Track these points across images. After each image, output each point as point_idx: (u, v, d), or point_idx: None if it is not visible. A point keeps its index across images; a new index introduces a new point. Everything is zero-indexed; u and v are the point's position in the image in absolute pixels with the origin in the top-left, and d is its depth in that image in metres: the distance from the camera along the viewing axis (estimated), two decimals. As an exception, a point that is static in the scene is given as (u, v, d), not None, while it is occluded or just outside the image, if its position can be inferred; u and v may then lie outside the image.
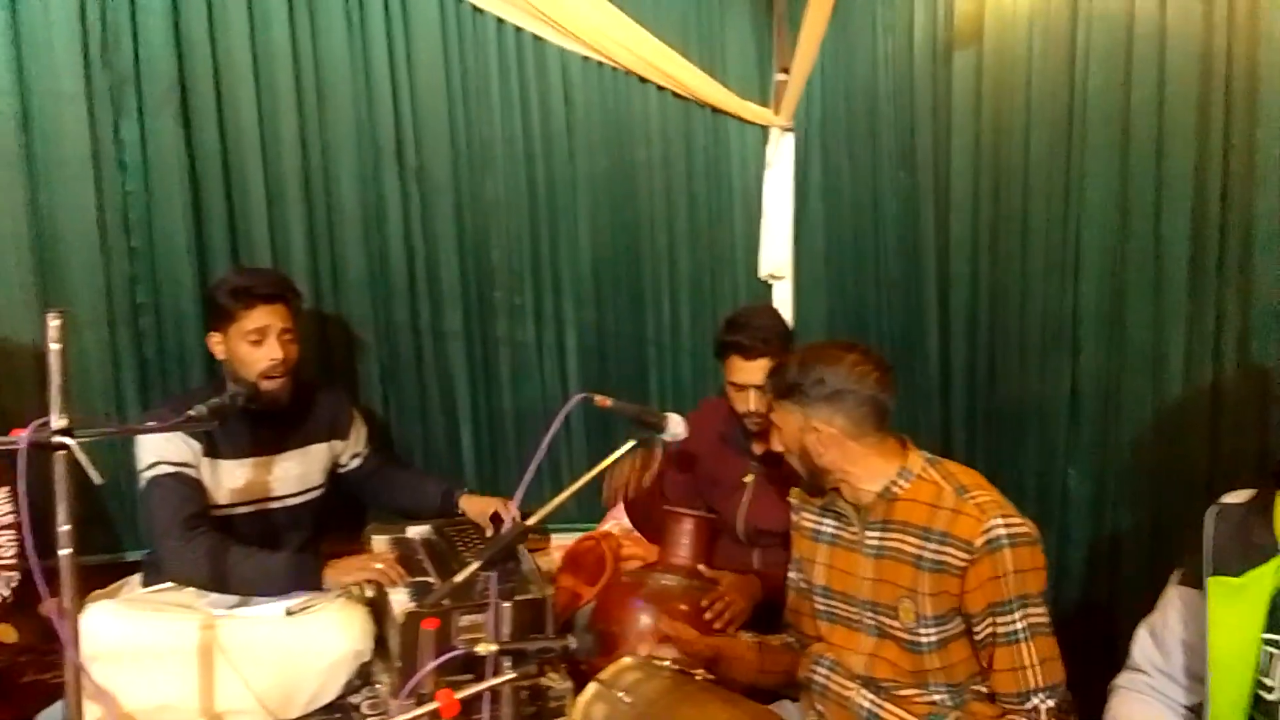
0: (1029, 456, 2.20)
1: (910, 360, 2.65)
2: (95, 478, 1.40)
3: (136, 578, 2.17)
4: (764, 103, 3.15)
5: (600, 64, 2.88)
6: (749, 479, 2.29)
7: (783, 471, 1.83)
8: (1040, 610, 1.54)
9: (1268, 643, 1.15)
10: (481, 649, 1.42)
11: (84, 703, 1.49)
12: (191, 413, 1.73)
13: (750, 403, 2.16)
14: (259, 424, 2.17)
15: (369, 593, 2.01)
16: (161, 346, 2.44)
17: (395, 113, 2.64)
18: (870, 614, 1.70)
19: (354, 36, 2.57)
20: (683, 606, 1.96)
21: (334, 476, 2.40)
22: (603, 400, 1.86)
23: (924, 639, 1.60)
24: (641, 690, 1.55)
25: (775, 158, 3.14)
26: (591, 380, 2.94)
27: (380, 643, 1.95)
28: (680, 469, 2.42)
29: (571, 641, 1.50)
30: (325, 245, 2.61)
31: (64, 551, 1.40)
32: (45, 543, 1.42)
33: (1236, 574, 1.18)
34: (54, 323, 1.40)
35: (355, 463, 2.44)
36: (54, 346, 1.40)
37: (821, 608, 1.81)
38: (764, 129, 3.15)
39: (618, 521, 2.78)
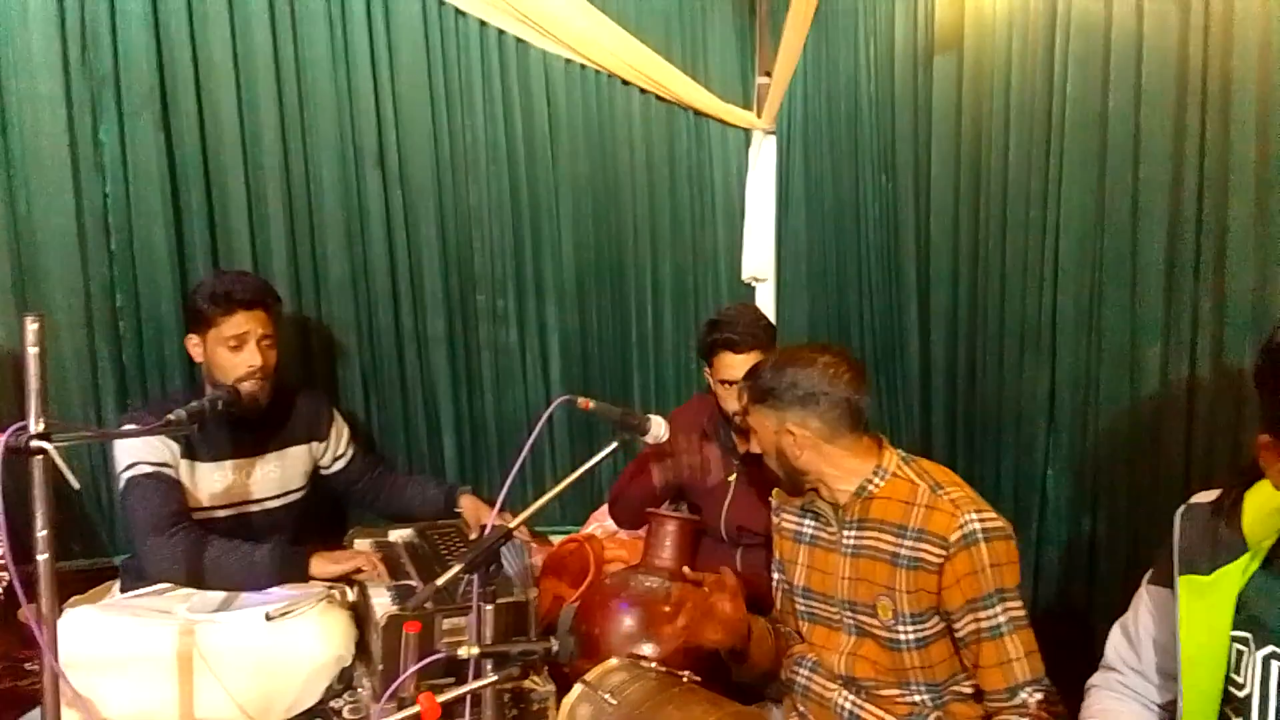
0: (1008, 457, 2.22)
1: (891, 363, 2.67)
2: (73, 482, 1.39)
3: (115, 583, 2.16)
4: (746, 106, 3.17)
5: (583, 67, 2.89)
6: (732, 478, 2.29)
7: (765, 472, 1.84)
8: (1018, 604, 1.55)
9: (1236, 640, 1.16)
10: (464, 652, 1.42)
11: (62, 709, 1.48)
12: (170, 416, 1.73)
13: (741, 399, 2.17)
14: (238, 427, 2.16)
15: (351, 596, 2.01)
16: (140, 350, 2.42)
17: (377, 116, 2.63)
18: (849, 613, 1.71)
19: (335, 39, 2.57)
20: (666, 608, 1.97)
21: (316, 479, 2.39)
22: (585, 403, 1.86)
23: (903, 636, 1.61)
24: (627, 692, 1.56)
25: (757, 161, 3.16)
26: (574, 383, 2.95)
27: (361, 647, 1.94)
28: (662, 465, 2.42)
29: (554, 644, 1.50)
30: (306, 249, 2.60)
31: (42, 557, 1.39)
32: (23, 548, 1.41)
33: (1205, 572, 1.19)
34: (32, 326, 1.39)
35: (339, 464, 2.43)
36: (31, 350, 1.38)
37: (802, 608, 1.82)
38: (746, 132, 3.17)
39: (600, 524, 2.78)
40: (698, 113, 3.08)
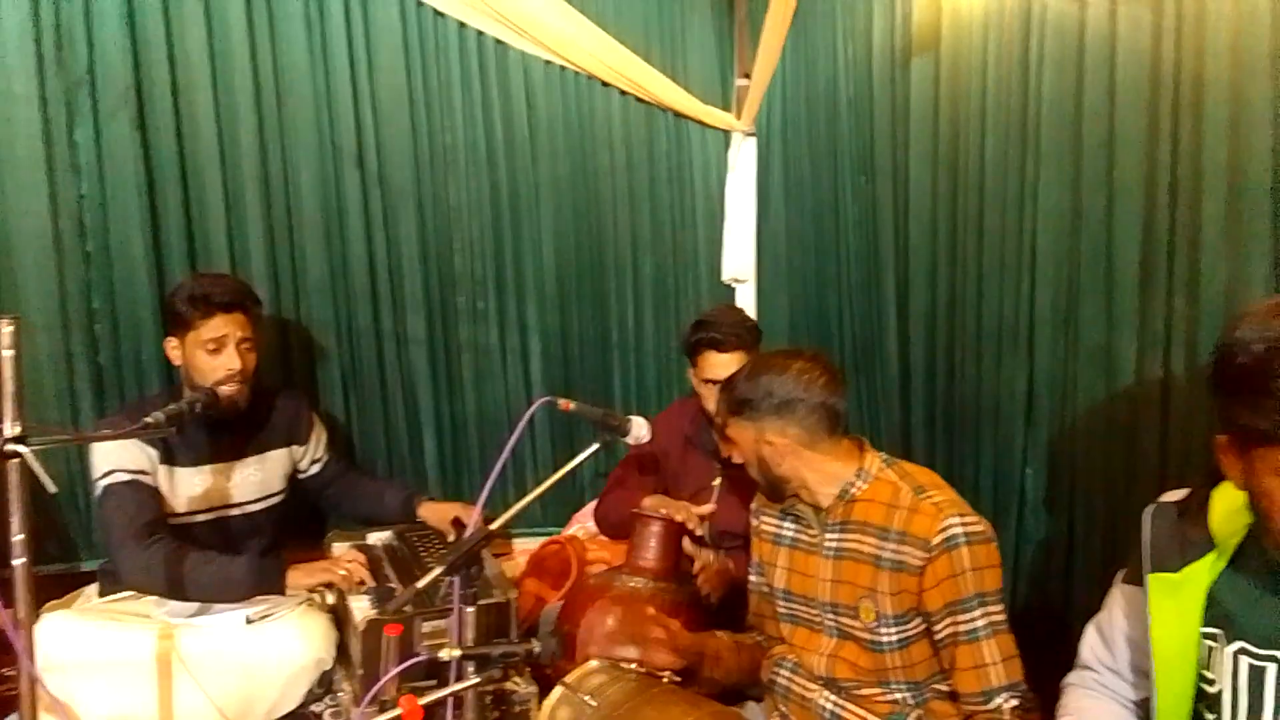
0: (987, 456, 2.23)
1: (871, 362, 2.68)
2: (49, 486, 1.38)
3: (92, 588, 2.14)
4: (726, 108, 3.17)
5: (563, 69, 2.88)
6: (716, 482, 2.30)
7: (748, 475, 1.85)
8: (999, 608, 1.56)
9: (1207, 636, 1.18)
10: (445, 654, 1.42)
11: (39, 715, 1.47)
12: (148, 419, 1.71)
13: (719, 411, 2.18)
14: (217, 430, 2.15)
15: (330, 599, 2.00)
16: (117, 353, 2.40)
17: (356, 116, 2.62)
18: (830, 615, 1.71)
19: (313, 39, 2.55)
20: (649, 609, 1.97)
21: (294, 483, 2.38)
22: (566, 404, 1.86)
23: (885, 638, 1.62)
24: (607, 693, 1.56)
25: (737, 162, 3.17)
26: (555, 384, 2.94)
27: (342, 650, 1.93)
28: (645, 470, 2.43)
29: (536, 645, 1.50)
30: (285, 250, 2.59)
31: (18, 561, 1.38)
32: (-2, 552, 1.40)
33: (1175, 570, 1.21)
34: (6, 328, 1.37)
35: (315, 469, 2.42)
36: (6, 353, 1.37)
37: (783, 610, 1.82)
38: (726, 134, 3.17)
39: (583, 525, 2.78)
40: (677, 114, 3.08)
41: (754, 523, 1.90)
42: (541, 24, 2.76)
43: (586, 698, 1.56)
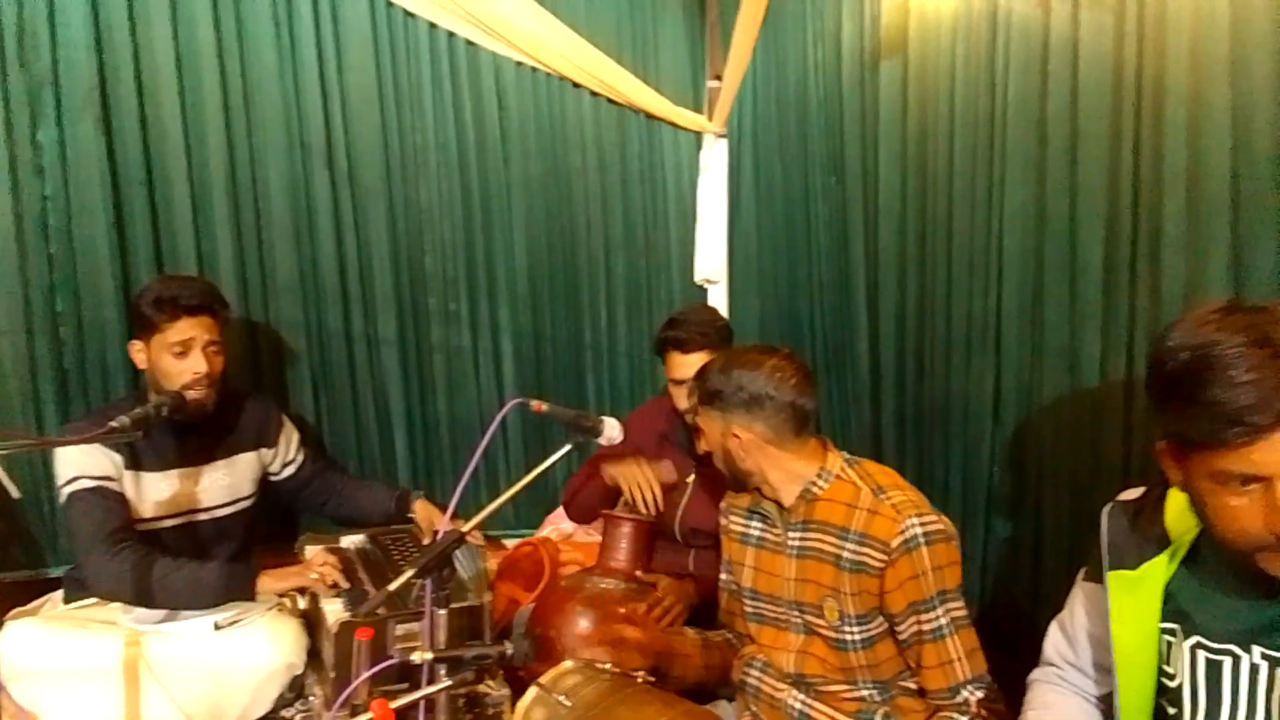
0: (956, 455, 2.26)
1: (841, 361, 2.71)
2: (13, 491, 1.37)
3: (58, 594, 2.11)
4: (697, 109, 3.19)
5: (534, 69, 2.88)
6: (690, 480, 2.31)
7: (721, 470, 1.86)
8: (959, 604, 1.58)
9: (1165, 631, 1.20)
10: (417, 657, 1.41)
11: (3, 724, 1.45)
12: (114, 423, 1.69)
13: (691, 399, 2.19)
14: (184, 434, 2.12)
15: (302, 604, 1.98)
16: (82, 356, 2.36)
17: (325, 116, 2.60)
18: (796, 613, 1.73)
19: (282, 38, 2.53)
20: (621, 610, 1.97)
21: (265, 486, 2.36)
22: (538, 405, 1.86)
23: (849, 637, 1.63)
24: (581, 694, 1.57)
25: (709, 163, 3.18)
26: (527, 386, 2.94)
27: (314, 654, 1.92)
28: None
29: (508, 647, 1.50)
30: (254, 251, 2.57)
31: (-20, 568, 1.36)
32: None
33: (1133, 567, 1.23)
34: (-33, 332, 1.35)
35: (289, 470, 2.40)
36: (-33, 357, 1.35)
37: (750, 609, 1.83)
38: (698, 135, 3.19)
39: (555, 527, 2.78)
40: (649, 115, 3.09)
41: (723, 522, 1.91)
42: (513, 25, 2.76)
43: (561, 698, 1.56)
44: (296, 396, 2.67)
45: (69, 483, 1.98)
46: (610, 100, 3.01)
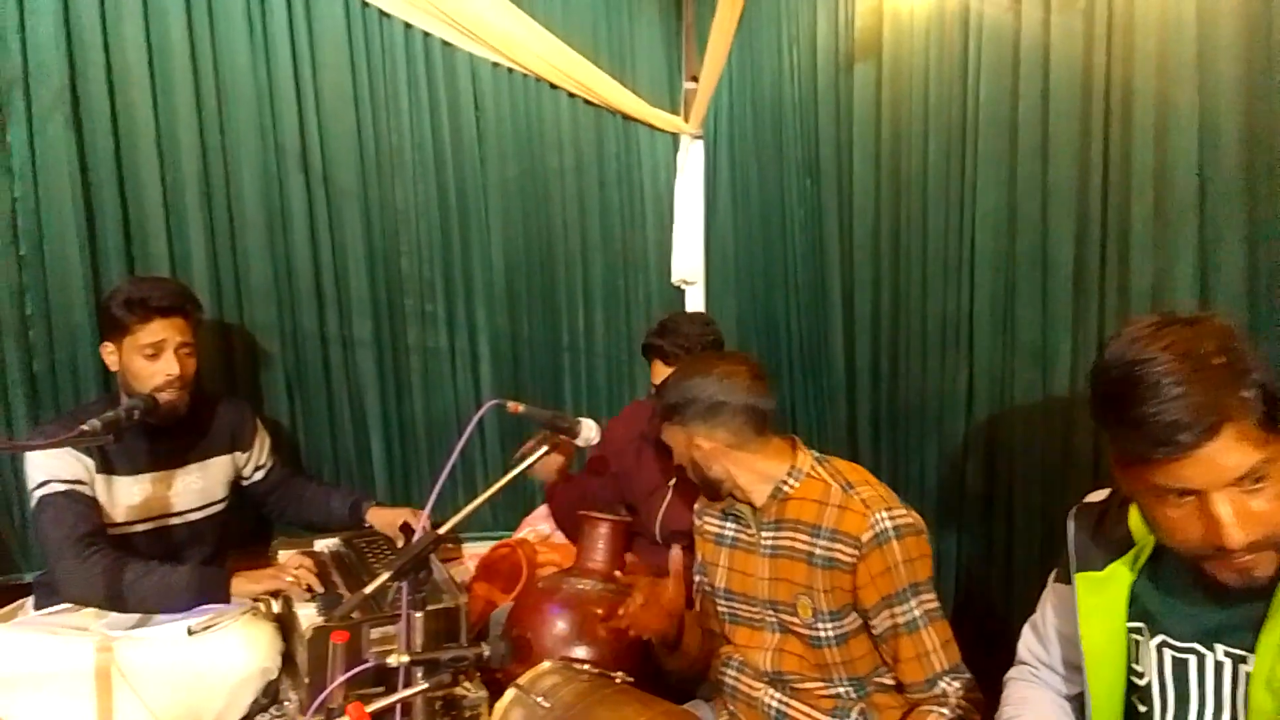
0: (931, 454, 2.28)
1: (817, 360, 2.72)
2: (-19, 497, 1.35)
3: (30, 600, 2.08)
4: (674, 111, 3.20)
5: (511, 70, 2.88)
6: (672, 482, 2.31)
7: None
8: (932, 596, 1.60)
9: (1133, 631, 1.22)
10: (393, 660, 1.41)
11: (-28, 732, 1.43)
12: (84, 427, 1.67)
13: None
14: (156, 438, 2.10)
15: (276, 607, 1.97)
16: (53, 359, 2.33)
17: (300, 116, 2.58)
18: (771, 612, 1.74)
19: (255, 37, 2.51)
20: (598, 610, 1.97)
21: (238, 490, 2.34)
22: (515, 406, 1.86)
23: (823, 634, 1.64)
24: (560, 694, 1.56)
25: (685, 165, 3.19)
26: (504, 387, 2.94)
27: (288, 658, 1.91)
28: (601, 471, 2.43)
29: (485, 649, 1.50)
30: (227, 252, 2.54)
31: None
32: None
33: (1100, 568, 1.25)
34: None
35: (259, 475, 2.38)
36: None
37: (724, 610, 1.84)
38: (674, 136, 3.20)
39: (533, 528, 2.78)
40: (626, 116, 3.09)
41: (697, 523, 1.92)
42: (489, 26, 2.76)
43: (539, 699, 1.56)
44: (271, 399, 2.64)
45: (39, 486, 1.96)
46: (587, 101, 3.02)
